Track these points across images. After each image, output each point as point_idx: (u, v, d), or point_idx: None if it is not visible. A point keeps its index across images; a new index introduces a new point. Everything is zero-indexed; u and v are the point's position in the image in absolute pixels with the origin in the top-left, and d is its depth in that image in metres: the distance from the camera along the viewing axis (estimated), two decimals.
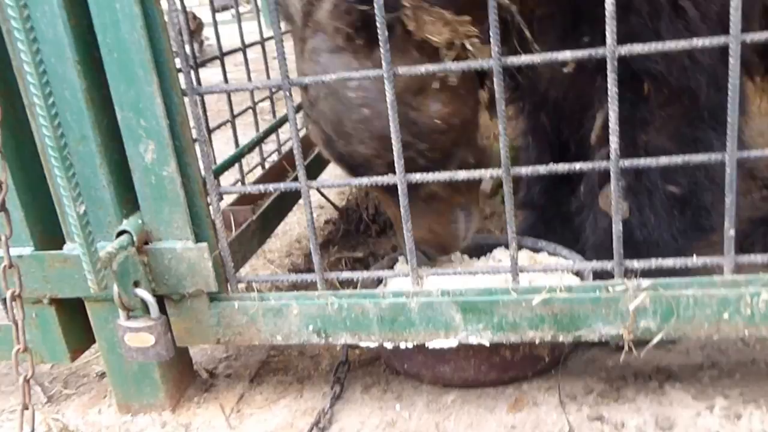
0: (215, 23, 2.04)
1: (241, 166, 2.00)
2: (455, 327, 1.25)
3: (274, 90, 2.41)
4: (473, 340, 1.25)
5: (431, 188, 1.41)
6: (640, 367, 1.39)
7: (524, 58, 1.11)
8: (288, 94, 1.19)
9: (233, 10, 2.25)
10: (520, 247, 1.62)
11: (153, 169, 1.24)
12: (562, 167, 1.15)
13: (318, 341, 1.31)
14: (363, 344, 1.31)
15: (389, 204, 1.49)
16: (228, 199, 1.92)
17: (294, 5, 1.30)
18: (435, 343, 1.27)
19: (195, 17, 6.67)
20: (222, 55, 1.99)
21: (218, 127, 2.00)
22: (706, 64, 1.40)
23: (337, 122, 1.31)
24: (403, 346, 1.29)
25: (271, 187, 1.31)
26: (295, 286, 1.78)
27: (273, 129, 1.99)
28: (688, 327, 1.19)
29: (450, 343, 1.26)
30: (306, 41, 1.30)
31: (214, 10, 2.13)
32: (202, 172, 1.28)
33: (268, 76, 2.27)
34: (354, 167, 1.37)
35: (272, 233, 2.01)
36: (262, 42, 2.25)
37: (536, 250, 1.66)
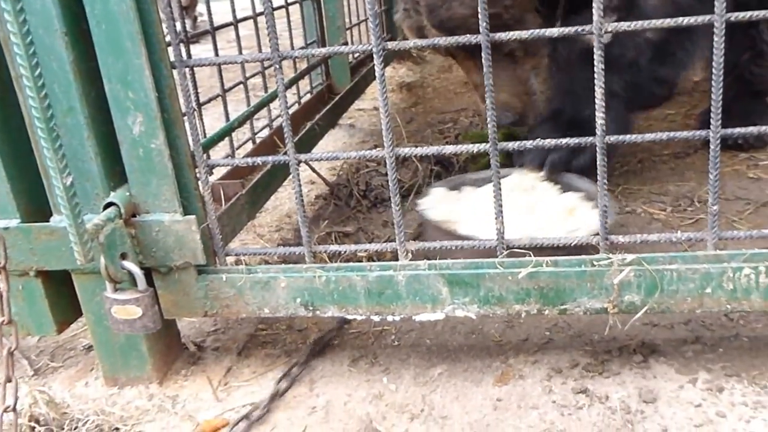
0: None
1: (231, 141, 2.01)
2: (442, 300, 1.26)
3: (265, 65, 2.41)
4: (460, 313, 1.26)
5: (511, 46, 1.67)
6: (625, 342, 1.40)
7: (511, 34, 1.11)
8: (278, 67, 1.19)
9: None
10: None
11: (141, 142, 1.24)
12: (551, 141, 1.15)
13: (305, 314, 1.32)
14: (350, 317, 1.32)
15: (473, 70, 1.80)
16: (219, 174, 1.91)
17: None
18: (422, 317, 1.28)
19: None
20: (213, 30, 1.99)
21: (209, 101, 2.00)
22: None
23: None
24: (390, 319, 1.30)
25: (259, 160, 1.32)
26: (284, 260, 1.79)
27: (264, 104, 1.99)
28: (671, 301, 1.20)
29: (437, 316, 1.27)
30: None
31: None
32: (191, 145, 1.29)
33: (260, 51, 2.26)
34: (453, 30, 1.58)
35: (262, 208, 2.01)
36: (254, 17, 2.25)
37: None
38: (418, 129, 2.98)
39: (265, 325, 1.59)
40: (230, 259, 1.64)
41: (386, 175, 2.20)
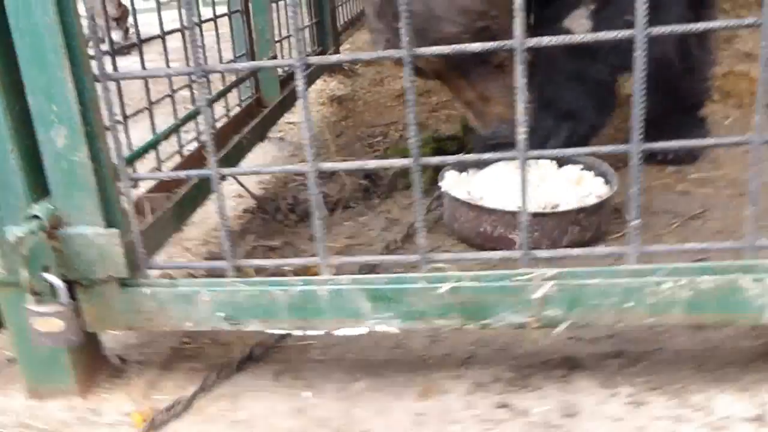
0: (134, 10, 2.02)
1: (158, 154, 1.98)
2: (364, 315, 1.26)
3: (193, 78, 2.38)
4: (382, 328, 1.27)
5: (501, 56, 1.76)
6: (548, 356, 1.42)
7: (433, 49, 1.12)
8: (201, 81, 1.18)
9: None
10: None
11: (64, 155, 1.23)
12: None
13: (228, 328, 1.31)
14: (271, 331, 1.31)
15: (464, 89, 1.89)
16: (146, 187, 1.89)
17: None
18: (344, 331, 1.27)
19: (120, 4, 6.57)
20: (140, 42, 1.96)
21: (135, 114, 1.97)
22: None
23: (428, 12, 1.65)
24: (312, 333, 1.29)
25: (182, 173, 1.31)
26: (210, 274, 1.77)
27: (190, 117, 1.98)
28: (593, 315, 1.22)
29: (359, 331, 1.27)
30: None
31: None
32: (115, 159, 1.27)
33: (188, 64, 2.24)
34: None
35: (190, 221, 1.99)
36: (182, 30, 2.23)
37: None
38: (348, 143, 2.98)
39: (189, 339, 1.58)
40: (155, 273, 1.61)
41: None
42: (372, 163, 1.21)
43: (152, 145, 1.72)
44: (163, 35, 2.08)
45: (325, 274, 1.27)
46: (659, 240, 1.87)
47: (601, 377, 1.35)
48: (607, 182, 2.01)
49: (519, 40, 1.07)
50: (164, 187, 1.83)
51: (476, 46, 1.11)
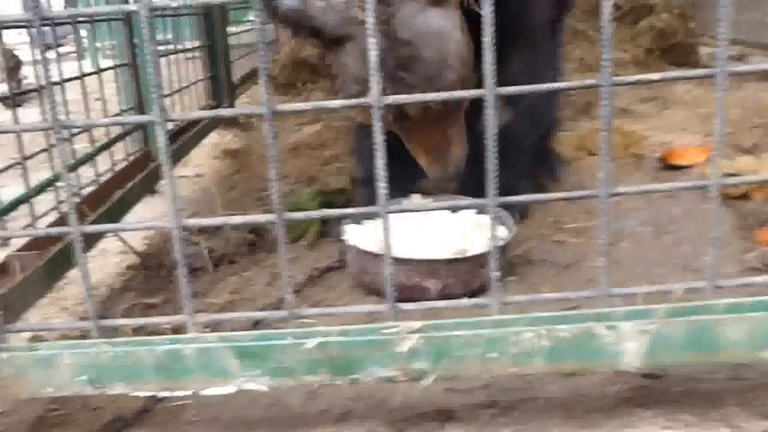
0: (34, 60, 2.00)
1: (32, 210, 1.92)
2: (232, 373, 1.24)
3: (74, 132, 2.35)
4: (251, 386, 1.25)
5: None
6: (423, 409, 1.41)
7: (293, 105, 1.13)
8: (60, 136, 1.16)
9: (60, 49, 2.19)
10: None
11: None
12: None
13: (92, 392, 1.27)
14: (137, 393, 1.27)
15: (432, 131, 2.01)
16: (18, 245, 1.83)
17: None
18: (213, 391, 1.25)
19: (13, 55, 6.43)
20: (14, 96, 1.92)
21: (6, 168, 1.91)
22: None
23: (441, 61, 1.82)
24: (180, 394, 1.27)
25: (42, 231, 1.27)
26: (83, 335, 1.72)
27: (70, 170, 1.93)
28: (459, 367, 1.23)
29: (227, 390, 1.25)
30: (394, 15, 1.77)
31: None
32: None
33: (88, 116, 2.21)
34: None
35: (68, 279, 1.94)
36: (81, 77, 2.22)
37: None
38: (239, 197, 2.96)
39: (57, 405, 1.52)
40: (27, 335, 1.57)
41: (198, 243, 2.19)
42: (236, 219, 1.20)
43: (22, 201, 1.67)
44: (40, 87, 2.04)
45: (191, 332, 1.25)
46: (536, 290, 1.90)
47: (474, 428, 1.35)
48: (502, 224, 2.06)
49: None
50: (38, 244, 1.78)
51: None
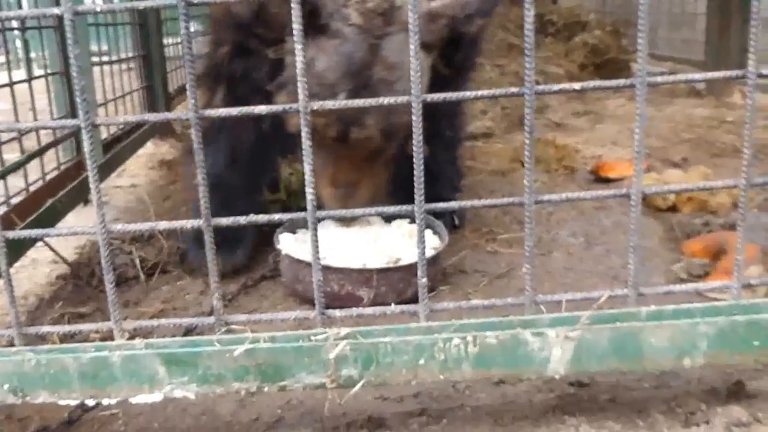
0: None
1: None
2: (160, 380, 1.23)
3: (3, 140, 2.30)
4: (178, 393, 1.23)
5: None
6: (354, 417, 1.41)
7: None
8: None
9: None
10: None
11: None
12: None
13: (14, 400, 1.24)
14: (62, 402, 1.25)
15: (355, 165, 1.96)
16: None
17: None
18: (139, 399, 1.23)
19: None
20: None
21: None
22: None
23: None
24: (106, 402, 1.25)
25: None
26: (10, 344, 1.68)
27: None
28: (387, 374, 1.23)
29: (155, 397, 1.23)
30: (387, 36, 1.76)
31: None
32: None
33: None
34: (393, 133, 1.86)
35: None
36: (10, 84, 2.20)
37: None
38: (174, 206, 2.93)
39: None
40: None
41: (130, 253, 2.16)
42: (162, 225, 1.19)
43: None
44: None
45: (118, 338, 1.23)
46: (467, 299, 1.91)
47: None
48: (435, 233, 2.09)
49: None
50: None
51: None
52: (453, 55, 1.97)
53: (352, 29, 1.76)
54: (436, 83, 1.93)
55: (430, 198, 1.16)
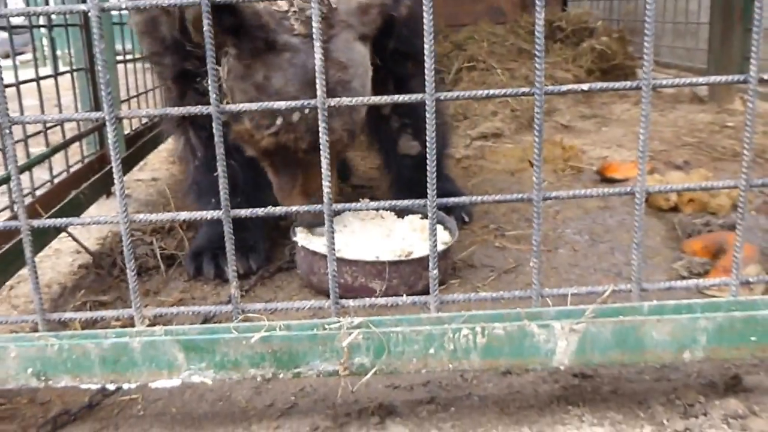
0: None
1: None
2: (178, 366, 1.23)
3: (29, 134, 2.31)
4: (196, 379, 1.23)
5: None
6: (365, 404, 1.41)
7: None
8: (8, 132, 1.14)
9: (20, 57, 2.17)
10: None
11: None
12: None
13: (37, 384, 1.24)
14: (84, 386, 1.25)
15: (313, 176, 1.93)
16: None
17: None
18: (158, 383, 1.23)
19: None
20: None
21: None
22: None
23: (364, 91, 1.86)
24: (126, 387, 1.25)
25: None
26: (34, 330, 1.69)
27: (22, 170, 1.90)
28: (398, 362, 1.23)
29: (173, 383, 1.23)
30: (332, 38, 1.78)
31: None
32: None
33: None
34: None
35: (13, 278, 1.90)
36: (37, 80, 2.21)
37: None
38: None
39: (3, 399, 1.48)
40: None
41: (151, 243, 2.16)
42: (183, 215, 1.19)
43: None
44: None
45: (138, 325, 1.24)
46: (476, 292, 1.91)
47: (413, 423, 1.35)
48: (446, 228, 2.09)
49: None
50: None
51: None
52: (387, 43, 1.98)
53: (299, 39, 1.74)
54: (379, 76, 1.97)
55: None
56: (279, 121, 1.78)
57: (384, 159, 2.54)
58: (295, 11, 1.73)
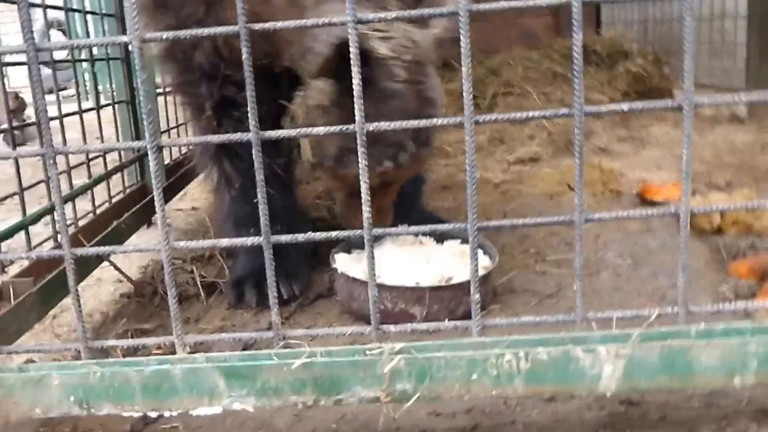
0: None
1: (28, 237, 1.89)
2: (219, 393, 1.22)
3: (72, 165, 2.33)
4: (237, 406, 1.22)
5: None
6: (407, 431, 1.39)
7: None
8: (52, 162, 1.15)
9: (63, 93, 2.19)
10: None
11: None
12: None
13: (80, 412, 1.24)
14: (126, 414, 1.25)
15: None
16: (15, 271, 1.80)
17: None
18: (199, 411, 1.22)
19: (17, 97, 6.43)
20: (12, 128, 1.90)
21: (5, 198, 1.89)
22: None
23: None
24: (167, 414, 1.24)
25: (33, 254, 1.25)
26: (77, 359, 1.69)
27: (66, 200, 1.92)
28: (441, 388, 1.21)
29: (214, 410, 1.22)
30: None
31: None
32: None
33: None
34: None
35: (56, 307, 1.91)
36: (80, 113, 2.25)
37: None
38: None
39: (47, 428, 1.48)
40: (20, 359, 1.53)
41: (191, 272, 2.17)
42: (224, 242, 1.18)
43: (19, 228, 1.66)
44: (38, 123, 2.02)
45: (180, 352, 1.23)
46: (517, 317, 1.87)
47: None
48: (485, 253, 2.07)
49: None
50: (34, 271, 1.76)
51: None
52: None
53: (403, 86, 1.77)
54: None
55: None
56: (387, 163, 1.84)
57: None
58: (395, 56, 1.74)
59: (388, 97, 1.76)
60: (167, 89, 3.46)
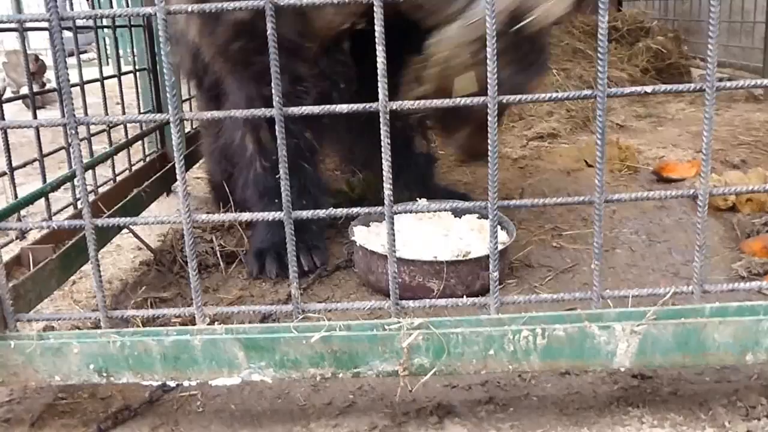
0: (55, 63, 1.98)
1: (48, 205, 1.90)
2: (238, 365, 1.22)
3: (93, 132, 2.33)
4: (256, 377, 1.23)
5: None
6: (423, 404, 1.39)
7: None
8: (74, 132, 1.14)
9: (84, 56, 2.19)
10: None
11: None
12: None
13: (99, 380, 1.24)
14: (145, 383, 1.25)
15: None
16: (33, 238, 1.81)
17: None
18: (218, 381, 1.23)
19: (37, 59, 6.42)
20: (32, 95, 1.90)
21: (23, 165, 1.89)
22: None
23: None
24: (186, 383, 1.24)
25: (54, 223, 1.25)
26: (95, 326, 1.70)
27: (86, 168, 1.92)
28: (458, 363, 1.21)
29: (233, 381, 1.22)
30: None
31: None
32: None
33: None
34: None
35: (82, 273, 1.91)
36: (101, 80, 2.25)
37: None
38: None
39: (65, 394, 1.48)
40: (39, 326, 1.52)
41: (211, 241, 2.17)
42: (245, 215, 1.18)
43: (39, 196, 1.65)
44: (59, 90, 2.02)
45: (200, 323, 1.23)
46: (534, 292, 1.88)
47: (472, 423, 1.33)
48: (503, 228, 2.06)
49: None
50: (54, 238, 1.76)
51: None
52: None
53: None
54: None
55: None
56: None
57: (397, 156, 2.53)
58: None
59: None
60: None
